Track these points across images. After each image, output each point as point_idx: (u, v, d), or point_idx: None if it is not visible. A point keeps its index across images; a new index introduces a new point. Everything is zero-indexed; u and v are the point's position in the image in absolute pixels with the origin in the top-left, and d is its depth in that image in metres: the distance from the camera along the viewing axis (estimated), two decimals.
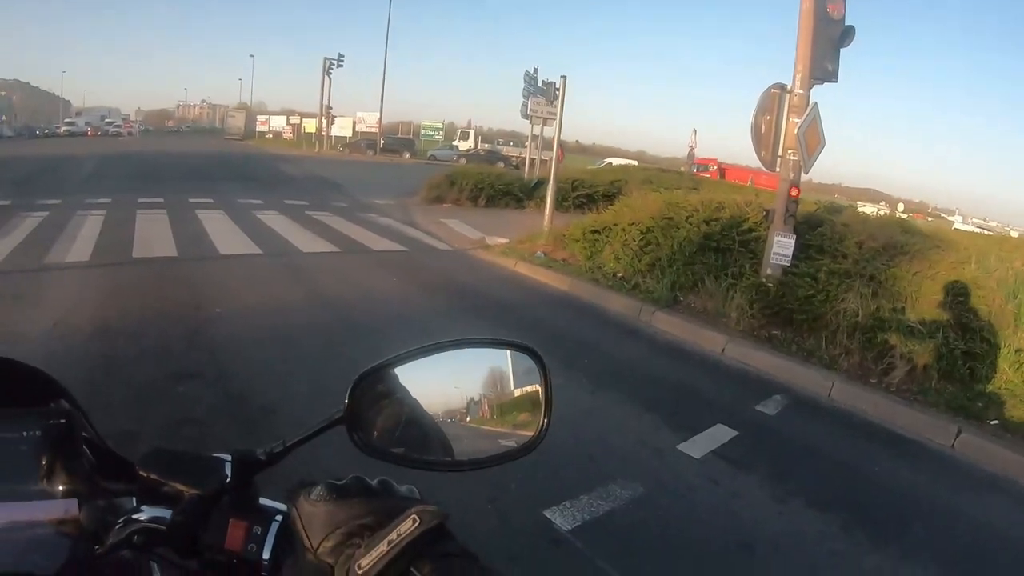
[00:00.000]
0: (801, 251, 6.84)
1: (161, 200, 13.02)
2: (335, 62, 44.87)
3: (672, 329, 6.53)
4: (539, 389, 0.72)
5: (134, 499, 0.70)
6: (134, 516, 0.65)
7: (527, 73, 14.42)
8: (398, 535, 0.55)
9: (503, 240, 10.31)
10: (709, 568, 2.84)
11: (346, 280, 7.57)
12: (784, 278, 6.65)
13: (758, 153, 7.18)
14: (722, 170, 32.74)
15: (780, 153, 7.01)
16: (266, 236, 9.85)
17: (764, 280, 6.73)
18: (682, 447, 3.90)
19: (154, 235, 9.27)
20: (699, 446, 3.93)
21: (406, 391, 0.68)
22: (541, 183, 14.84)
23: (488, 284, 8.09)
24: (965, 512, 3.67)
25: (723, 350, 6.00)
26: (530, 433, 0.71)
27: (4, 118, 64.81)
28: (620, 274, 8.07)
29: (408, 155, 41.72)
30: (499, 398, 0.72)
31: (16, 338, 4.68)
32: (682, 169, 28.72)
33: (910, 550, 3.11)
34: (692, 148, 34.53)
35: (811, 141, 6.99)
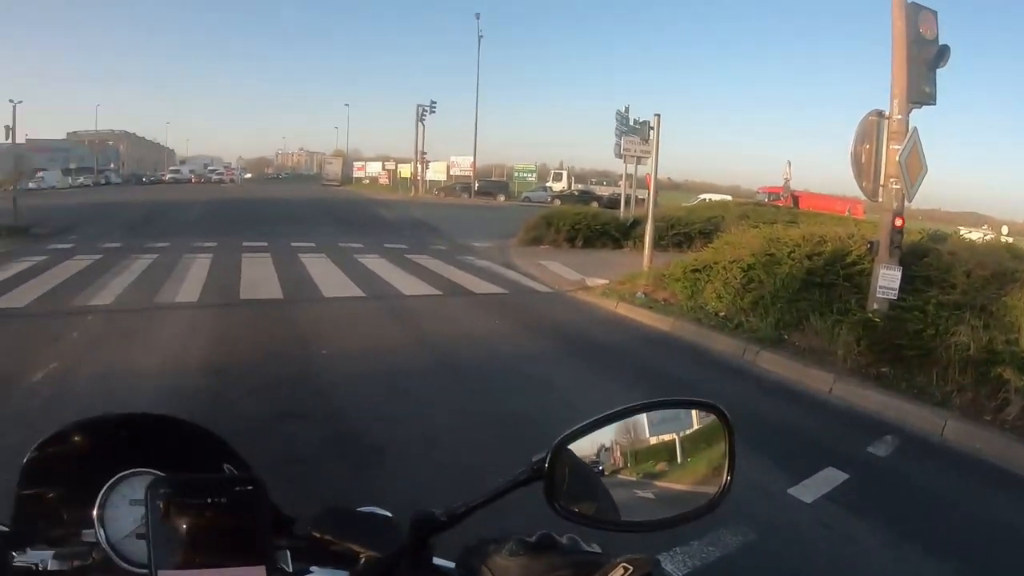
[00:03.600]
0: (907, 283, 6.72)
1: (265, 244, 13.73)
2: (428, 108, 47.09)
3: (777, 368, 6.56)
4: (722, 446, 0.71)
5: (288, 555, 0.72)
6: None
7: (618, 112, 14.73)
8: None
9: (603, 281, 10.50)
10: None
11: (449, 322, 7.84)
12: (891, 312, 6.55)
13: (859, 183, 7.14)
14: (795, 198, 31.64)
15: (882, 182, 6.97)
16: (368, 279, 10.30)
17: (871, 315, 6.64)
18: (792, 491, 3.90)
19: (258, 277, 9.89)
20: (810, 490, 3.92)
21: (585, 453, 0.70)
22: (637, 222, 15.02)
23: (589, 326, 8.27)
24: None
25: (831, 389, 5.98)
26: (711, 490, 0.70)
27: (113, 165, 70.24)
28: (722, 313, 8.14)
29: (502, 197, 42.82)
30: (677, 456, 0.72)
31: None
32: (758, 198, 28.42)
33: None
34: (787, 180, 33.72)
35: (913, 168, 6.90)
